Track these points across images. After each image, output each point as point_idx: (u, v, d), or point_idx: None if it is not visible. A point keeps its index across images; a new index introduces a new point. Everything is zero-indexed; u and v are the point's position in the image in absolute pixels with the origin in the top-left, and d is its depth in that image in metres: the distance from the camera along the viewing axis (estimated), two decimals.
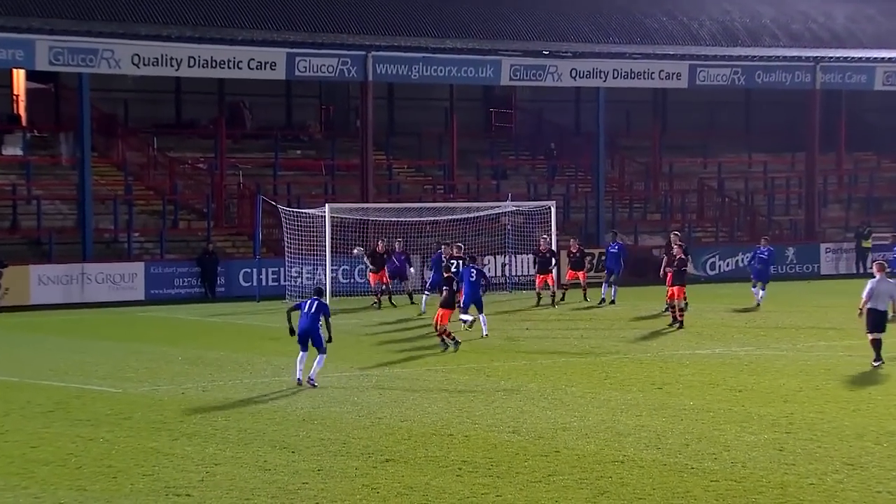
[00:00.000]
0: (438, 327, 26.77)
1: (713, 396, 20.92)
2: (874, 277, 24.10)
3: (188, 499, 14.35)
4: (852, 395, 21.10)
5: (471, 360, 25.40)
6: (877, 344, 24.07)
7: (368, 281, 38.51)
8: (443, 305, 26.76)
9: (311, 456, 16.39)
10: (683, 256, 31.83)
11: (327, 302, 36.27)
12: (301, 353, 21.96)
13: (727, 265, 47.54)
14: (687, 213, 51.52)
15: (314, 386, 21.74)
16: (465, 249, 34.63)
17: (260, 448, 16.89)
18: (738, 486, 14.78)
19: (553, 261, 37.48)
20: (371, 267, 37.77)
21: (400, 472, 15.41)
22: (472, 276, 29.40)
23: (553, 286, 37.47)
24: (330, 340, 22.19)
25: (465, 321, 29.45)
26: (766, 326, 31.33)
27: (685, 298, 31.58)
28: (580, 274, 38.29)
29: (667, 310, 32.55)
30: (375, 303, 37.60)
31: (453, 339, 26.60)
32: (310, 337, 21.94)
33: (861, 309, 23.95)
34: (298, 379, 21.93)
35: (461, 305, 29.09)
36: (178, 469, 15.68)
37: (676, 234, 35.12)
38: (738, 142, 56.31)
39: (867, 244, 49.04)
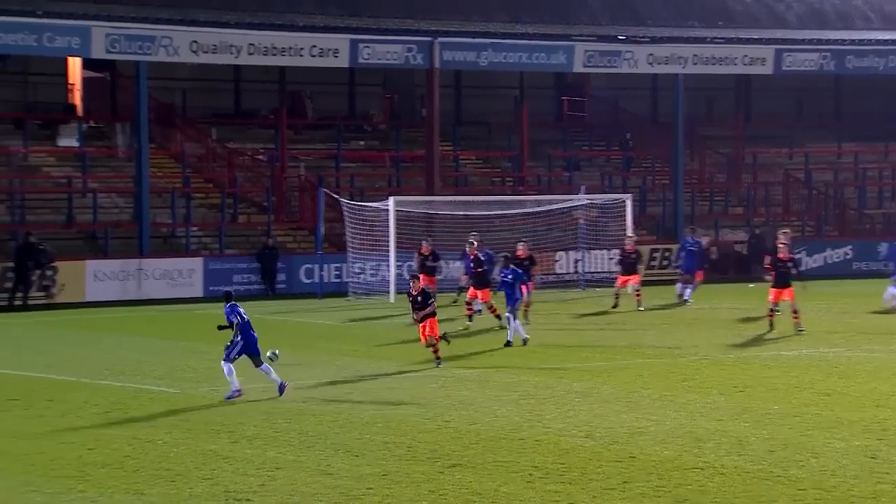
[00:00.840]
0: (437, 342, 24.40)
1: (799, 400, 20.42)
2: None
3: None
4: None
5: (541, 361, 25.09)
6: None
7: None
8: (431, 315, 24.44)
9: (375, 460, 16.30)
10: (793, 256, 30.16)
11: (392, 300, 36.30)
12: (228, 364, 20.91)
13: (814, 261, 46.63)
14: (771, 206, 50.48)
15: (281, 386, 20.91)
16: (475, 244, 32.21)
17: (322, 451, 16.80)
18: (827, 495, 14.42)
19: (638, 262, 35.82)
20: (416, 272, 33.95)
21: (467, 478, 15.29)
22: (509, 278, 28.30)
23: (638, 286, 35.35)
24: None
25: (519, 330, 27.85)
26: (857, 327, 30.70)
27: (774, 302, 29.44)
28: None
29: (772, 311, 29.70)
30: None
31: (438, 357, 24.58)
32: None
33: None
34: (239, 389, 20.82)
35: (512, 307, 27.54)
36: (237, 473, 15.64)
37: (786, 233, 31.70)
38: (827, 131, 55.29)
39: None
